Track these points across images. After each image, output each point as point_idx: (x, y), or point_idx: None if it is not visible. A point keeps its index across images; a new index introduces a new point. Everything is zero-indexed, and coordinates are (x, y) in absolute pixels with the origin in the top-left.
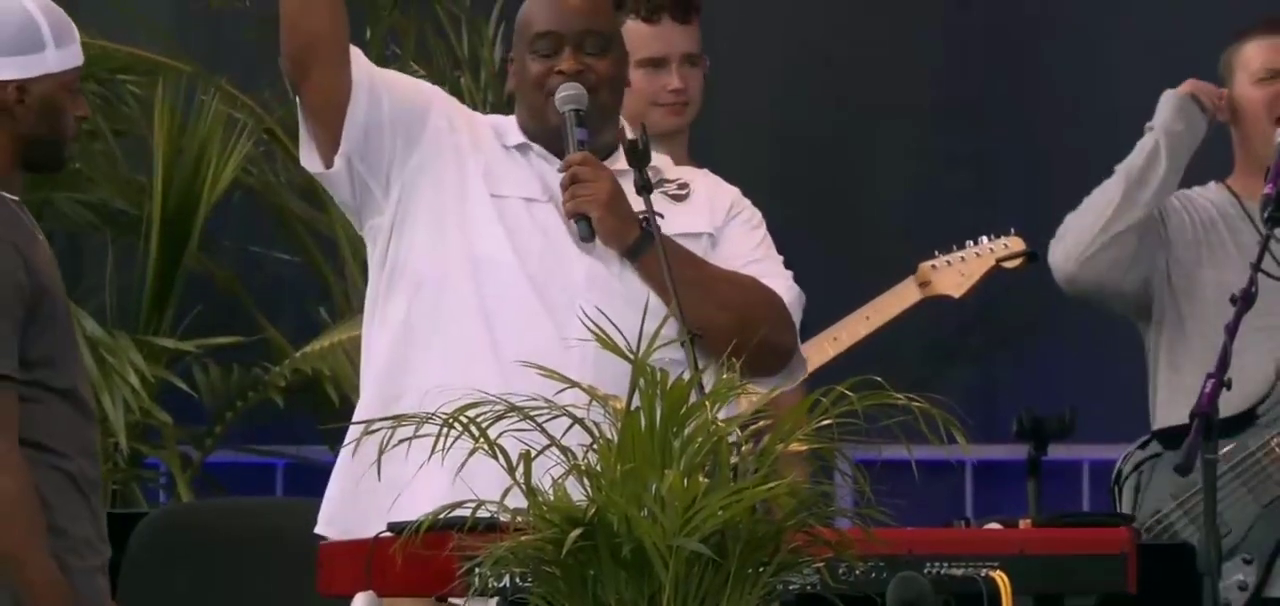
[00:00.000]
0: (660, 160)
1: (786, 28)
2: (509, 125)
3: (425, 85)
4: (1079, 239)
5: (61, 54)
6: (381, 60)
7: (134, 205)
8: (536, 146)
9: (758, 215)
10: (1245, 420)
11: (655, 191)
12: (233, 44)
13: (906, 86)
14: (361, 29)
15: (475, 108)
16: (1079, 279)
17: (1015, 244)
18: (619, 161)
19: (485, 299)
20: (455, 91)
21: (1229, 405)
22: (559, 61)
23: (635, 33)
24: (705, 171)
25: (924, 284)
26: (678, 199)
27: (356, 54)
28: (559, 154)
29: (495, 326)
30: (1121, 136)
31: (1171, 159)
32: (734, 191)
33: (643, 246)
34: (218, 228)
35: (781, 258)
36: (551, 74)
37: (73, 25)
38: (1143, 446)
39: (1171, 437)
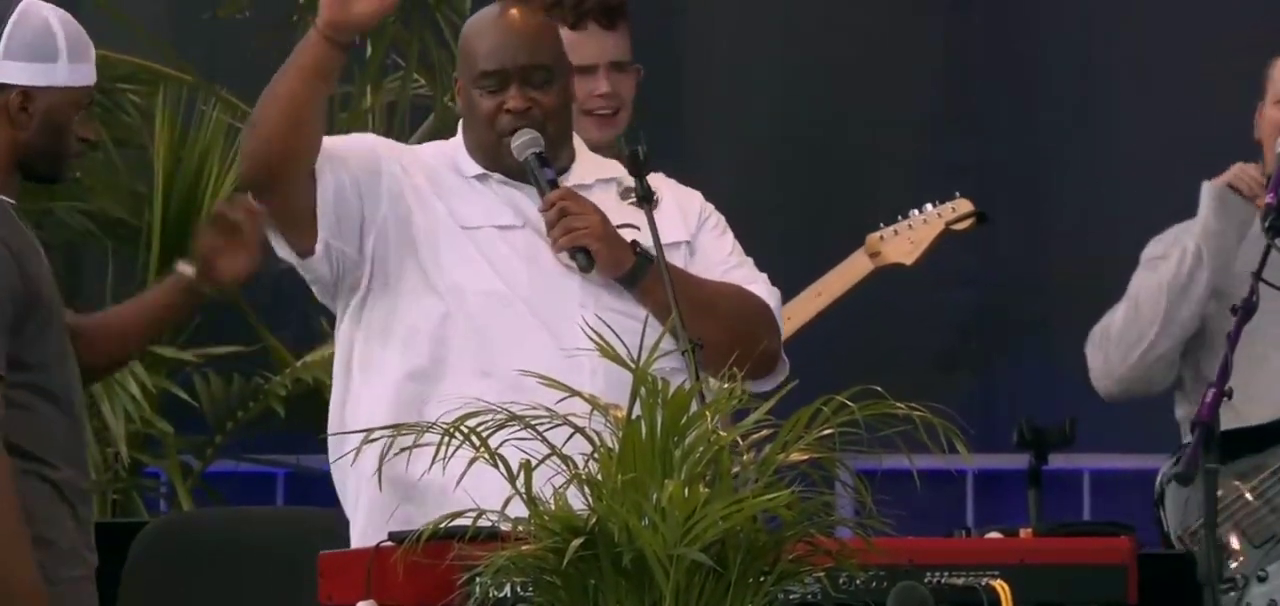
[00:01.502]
0: (619, 170)
1: (786, 29)
2: (460, 153)
3: (367, 137)
4: (1122, 358)
5: (73, 70)
6: (383, 71)
7: (134, 215)
8: (496, 174)
9: (722, 218)
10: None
11: (626, 203)
12: (233, 53)
13: (906, 90)
14: (362, 42)
15: None
16: (1116, 394)
17: (963, 206)
18: (573, 177)
19: (485, 331)
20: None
21: (1257, 416)
22: (506, 98)
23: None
24: (661, 175)
25: (874, 254)
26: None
27: None
28: (520, 181)
29: (498, 356)
30: (1121, 142)
31: (1214, 261)
32: (697, 195)
33: (640, 272)
34: None
35: (751, 260)
36: (500, 112)
37: (90, 45)
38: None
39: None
